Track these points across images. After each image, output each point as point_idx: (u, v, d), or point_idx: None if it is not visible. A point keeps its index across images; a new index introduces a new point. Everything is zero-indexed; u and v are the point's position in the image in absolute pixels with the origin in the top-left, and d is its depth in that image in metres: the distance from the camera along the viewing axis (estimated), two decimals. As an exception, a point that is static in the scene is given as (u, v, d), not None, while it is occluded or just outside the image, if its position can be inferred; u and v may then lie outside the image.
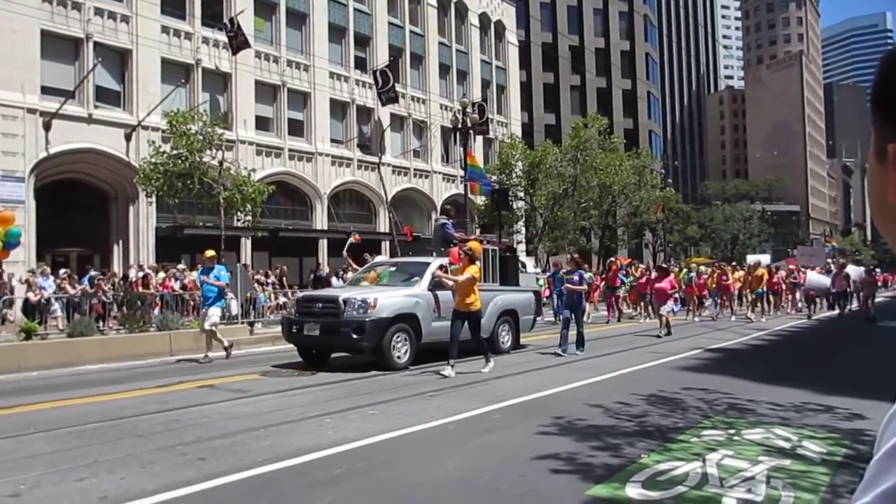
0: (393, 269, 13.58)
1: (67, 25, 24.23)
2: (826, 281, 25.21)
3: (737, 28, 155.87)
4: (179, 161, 20.93)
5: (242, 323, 17.59)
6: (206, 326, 12.36)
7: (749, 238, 71.67)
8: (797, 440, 6.07)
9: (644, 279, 22.46)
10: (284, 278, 24.58)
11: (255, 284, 20.56)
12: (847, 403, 7.69)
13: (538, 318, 15.95)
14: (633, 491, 4.63)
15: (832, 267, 28.06)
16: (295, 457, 5.58)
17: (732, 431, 6.40)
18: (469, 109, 28.26)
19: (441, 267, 11.96)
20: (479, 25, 44.26)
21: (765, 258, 33.41)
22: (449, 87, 41.21)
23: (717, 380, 9.73)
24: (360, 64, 35.65)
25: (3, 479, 4.99)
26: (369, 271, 13.86)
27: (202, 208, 23.90)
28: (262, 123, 30.80)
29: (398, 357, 11.04)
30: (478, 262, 11.25)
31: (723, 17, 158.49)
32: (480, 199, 35.59)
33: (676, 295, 20.10)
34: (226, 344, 12.53)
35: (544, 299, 21.65)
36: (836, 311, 25.16)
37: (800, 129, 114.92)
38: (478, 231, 31.15)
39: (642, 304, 23.66)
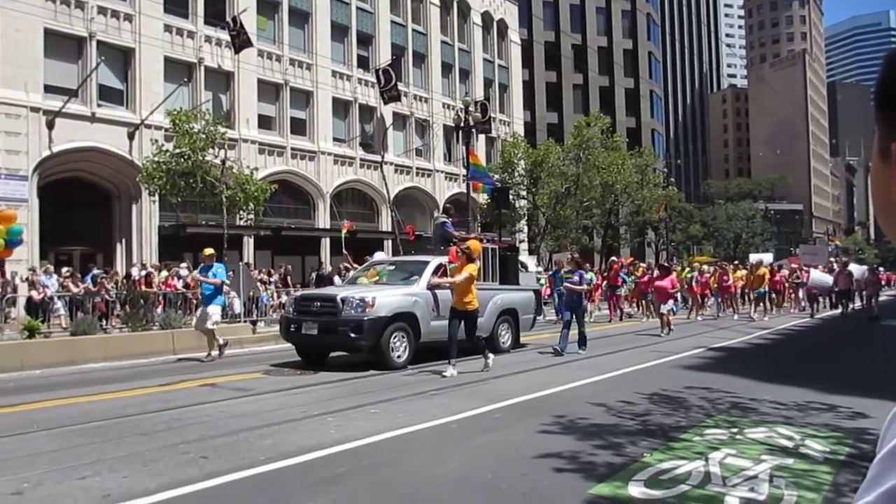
0: (392, 267, 13.51)
1: (71, 24, 24.27)
2: (829, 279, 25.16)
3: (740, 26, 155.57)
4: (182, 160, 20.96)
5: (245, 322, 17.60)
6: (209, 326, 12.33)
7: (752, 237, 71.56)
8: (800, 439, 6.06)
9: (646, 278, 22.44)
10: (289, 277, 24.56)
11: (258, 283, 20.57)
12: (850, 402, 7.68)
13: (539, 318, 15.92)
14: (635, 490, 4.62)
15: (835, 266, 28.01)
16: (297, 455, 5.58)
17: (735, 430, 6.39)
18: (471, 108, 28.24)
19: (440, 266, 11.93)
20: (482, 24, 44.23)
21: (767, 257, 33.32)
22: (451, 85, 41.20)
23: (720, 379, 9.72)
24: (363, 62, 35.67)
25: (7, 478, 5.00)
26: (368, 270, 13.82)
27: (205, 207, 23.94)
28: (264, 122, 30.83)
29: (397, 356, 11.00)
30: (476, 262, 11.17)
31: (726, 15, 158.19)
32: (483, 198, 35.57)
33: (678, 294, 20.08)
34: (220, 342, 12.48)
35: (545, 298, 21.65)
36: (839, 311, 25.11)
37: (803, 128, 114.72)
38: (479, 230, 31.15)
39: (644, 302, 23.65)
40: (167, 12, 27.18)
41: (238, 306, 18.28)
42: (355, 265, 18.12)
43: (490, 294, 12.88)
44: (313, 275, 25.08)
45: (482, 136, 40.04)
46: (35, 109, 22.90)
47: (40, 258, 22.34)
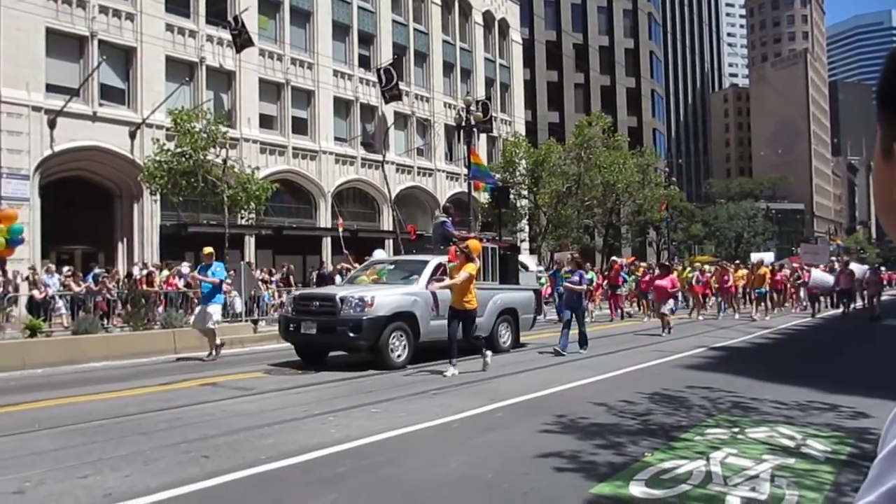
0: (391, 266, 13.45)
1: (72, 23, 24.28)
2: (830, 279, 25.14)
3: (741, 26, 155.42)
4: (183, 159, 20.96)
5: (246, 321, 17.62)
6: (210, 325, 12.32)
7: (753, 236, 71.47)
8: (801, 438, 6.05)
9: (647, 277, 22.44)
10: (291, 276, 24.54)
11: (259, 282, 20.58)
12: (851, 402, 7.67)
13: (539, 317, 15.88)
14: (636, 489, 4.62)
15: (836, 265, 27.99)
16: (298, 455, 5.58)
17: (736, 430, 6.39)
18: (473, 107, 28.23)
19: (440, 266, 11.89)
20: (483, 23, 44.21)
21: (768, 256, 33.27)
22: (452, 85, 41.19)
23: (721, 378, 9.71)
24: (364, 62, 35.66)
25: (8, 477, 5.01)
26: (367, 269, 13.78)
27: (206, 206, 23.95)
28: (265, 121, 30.84)
29: (397, 356, 10.96)
30: (476, 261, 11.07)
31: (727, 14, 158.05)
32: (484, 197, 35.57)
33: (678, 294, 20.07)
34: (217, 342, 12.44)
35: (546, 297, 21.64)
36: (840, 310, 25.10)
37: (804, 127, 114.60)
38: (480, 229, 31.14)
39: (644, 302, 23.65)
40: (169, 11, 27.18)
41: (239, 305, 18.31)
42: (355, 265, 18.10)
43: (490, 294, 12.85)
44: (313, 274, 25.10)
45: (483, 136, 40.00)
46: (37, 108, 22.91)
47: (42, 257, 22.36)
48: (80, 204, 25.17)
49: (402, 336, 11.08)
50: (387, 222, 35.13)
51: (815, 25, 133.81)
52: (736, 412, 7.32)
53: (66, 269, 19.84)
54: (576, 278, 13.29)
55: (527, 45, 53.31)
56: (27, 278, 18.29)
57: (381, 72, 33.90)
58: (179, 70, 27.12)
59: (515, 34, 47.94)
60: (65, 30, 24.08)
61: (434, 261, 12.19)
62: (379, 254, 20.61)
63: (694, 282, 23.63)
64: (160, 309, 17.03)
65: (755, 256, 33.27)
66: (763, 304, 23.20)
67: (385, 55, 35.70)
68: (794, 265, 29.83)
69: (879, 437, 0.74)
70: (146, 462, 5.41)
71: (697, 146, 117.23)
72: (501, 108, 45.19)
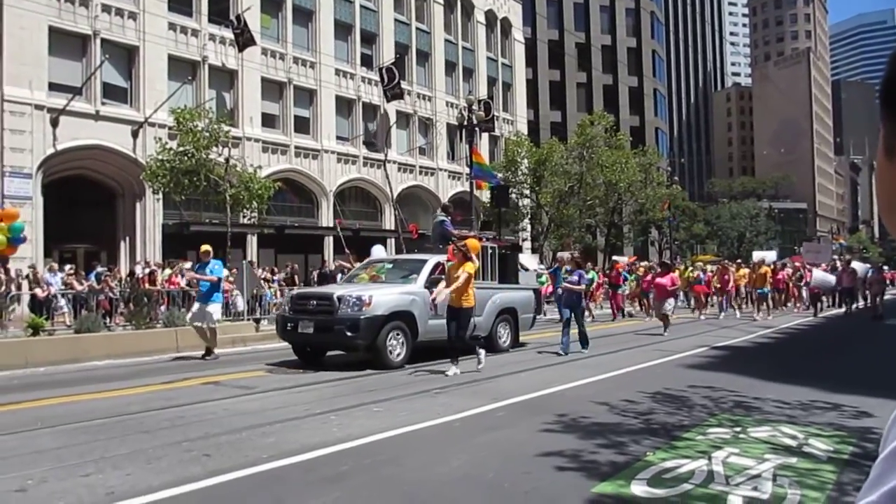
0: (390, 265, 13.38)
1: (75, 22, 24.31)
2: (831, 279, 25.11)
3: (744, 25, 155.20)
4: (186, 158, 20.98)
5: (248, 320, 17.64)
6: (211, 325, 12.30)
7: (756, 236, 71.37)
8: (804, 438, 6.04)
9: (649, 277, 22.41)
10: (296, 276, 24.52)
11: (262, 281, 20.60)
12: (854, 401, 7.66)
13: (539, 317, 15.82)
14: (638, 489, 4.62)
15: (838, 264, 27.96)
16: (300, 453, 5.58)
17: (738, 429, 6.38)
18: (475, 107, 28.23)
19: (438, 265, 11.84)
20: (486, 22, 44.20)
21: (770, 255, 33.24)
22: (455, 84, 41.18)
23: (723, 377, 9.70)
24: (367, 61, 35.66)
25: (11, 475, 5.02)
26: (366, 267, 13.73)
27: (208, 205, 23.96)
28: (268, 120, 30.86)
29: (396, 355, 10.92)
30: (475, 260, 10.94)
31: (730, 13, 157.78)
32: (486, 196, 35.54)
33: (679, 292, 20.04)
34: (213, 346, 12.36)
35: (547, 297, 21.61)
36: (843, 309, 25.07)
37: (807, 127, 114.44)
38: (479, 228, 31.08)
39: (646, 301, 23.63)
40: (171, 10, 27.21)
41: (241, 304, 18.32)
42: (355, 264, 18.07)
43: (489, 293, 12.81)
44: (314, 273, 25.09)
45: (485, 135, 39.96)
46: (39, 107, 22.94)
47: (45, 256, 22.40)
48: (83, 203, 25.21)
49: (399, 335, 11.02)
50: (389, 221, 35.14)
51: (818, 24, 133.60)
52: (738, 411, 7.31)
53: (68, 267, 19.87)
54: (575, 278, 13.23)
55: (529, 44, 53.29)
56: (27, 277, 18.31)
57: (384, 71, 33.90)
58: (182, 69, 27.13)
59: (518, 33, 47.92)
60: (68, 28, 24.11)
61: (432, 260, 12.13)
62: (378, 250, 20.58)
63: (700, 282, 23.61)
64: (162, 308, 17.03)
65: (757, 255, 33.23)
66: (765, 303, 23.17)
67: (387, 54, 35.70)
68: (797, 264, 29.78)
69: (881, 437, 0.74)
70: (148, 460, 5.42)
71: (700, 145, 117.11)
72: (503, 108, 45.17)
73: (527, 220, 40.81)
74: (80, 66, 24.57)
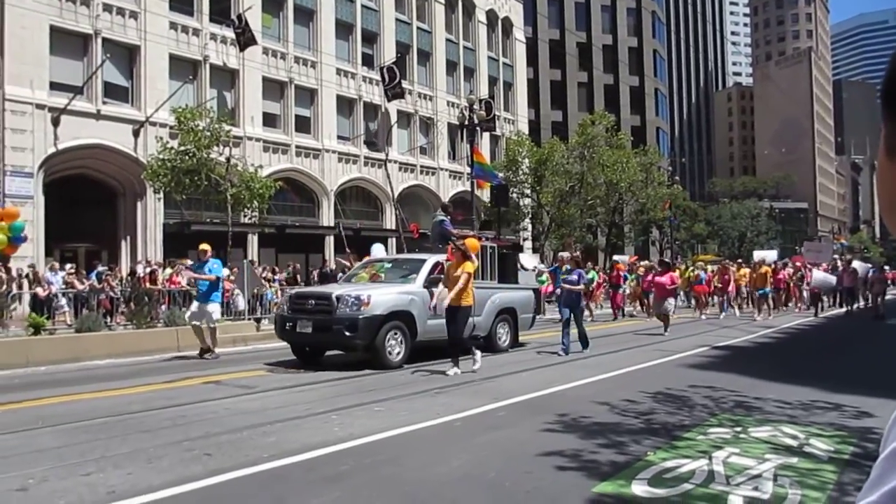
0: (389, 265, 13.33)
1: (76, 21, 24.33)
2: (832, 279, 25.10)
3: (745, 24, 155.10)
4: (187, 157, 21.00)
5: (249, 319, 17.65)
6: (211, 325, 12.29)
7: (757, 235, 71.29)
8: (804, 438, 6.04)
9: (650, 277, 22.39)
10: (298, 275, 24.50)
11: (263, 280, 20.60)
12: (855, 401, 7.66)
13: (539, 316, 15.79)
14: (639, 488, 4.62)
15: (839, 264, 27.94)
16: (300, 453, 5.59)
17: (739, 429, 6.38)
18: (476, 106, 28.20)
19: (437, 264, 11.82)
20: (487, 22, 44.20)
21: (771, 254, 33.21)
22: (456, 83, 41.18)
23: (724, 377, 9.70)
24: (368, 60, 35.66)
25: (12, 474, 5.02)
26: (365, 267, 13.69)
27: (209, 204, 23.98)
28: (269, 120, 30.87)
29: (395, 355, 10.89)
30: (474, 260, 10.90)
31: (731, 13, 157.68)
32: (486, 195, 35.54)
33: (679, 292, 20.02)
34: (208, 345, 12.34)
35: (548, 296, 21.59)
36: (844, 309, 25.05)
37: (808, 126, 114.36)
38: (479, 227, 31.07)
39: (647, 301, 23.62)
40: (172, 10, 27.22)
41: (242, 303, 18.33)
42: (354, 263, 18.06)
43: (488, 293, 12.79)
44: (314, 273, 25.09)
45: (486, 135, 39.96)
46: (41, 106, 22.96)
47: (46, 255, 22.41)
48: (84, 202, 25.23)
49: (398, 335, 10.98)
50: (389, 221, 35.14)
51: (820, 24, 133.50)
52: (739, 411, 7.31)
53: (69, 266, 19.87)
54: (574, 277, 13.16)
55: (530, 43, 53.28)
56: (28, 276, 18.32)
57: (384, 70, 33.89)
58: (183, 68, 27.14)
59: (519, 33, 47.91)
60: (69, 28, 24.13)
61: (431, 259, 12.09)
62: (378, 249, 20.58)
63: (702, 282, 23.59)
64: (163, 307, 17.03)
65: (758, 255, 33.21)
66: (765, 304, 23.15)
67: (388, 53, 35.70)
68: (797, 264, 29.76)
69: (882, 437, 0.74)
70: (149, 460, 5.42)
71: (701, 145, 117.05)
72: (504, 107, 45.17)
73: (528, 220, 40.80)
74: (81, 65, 24.59)
